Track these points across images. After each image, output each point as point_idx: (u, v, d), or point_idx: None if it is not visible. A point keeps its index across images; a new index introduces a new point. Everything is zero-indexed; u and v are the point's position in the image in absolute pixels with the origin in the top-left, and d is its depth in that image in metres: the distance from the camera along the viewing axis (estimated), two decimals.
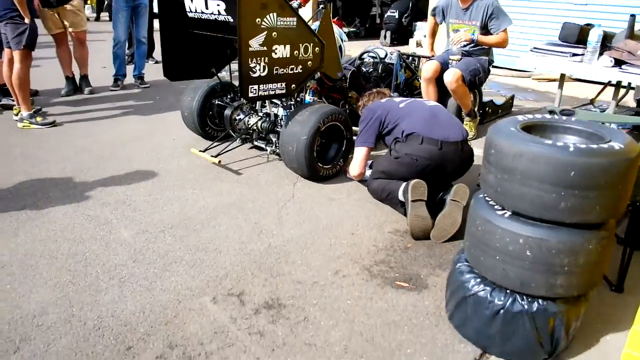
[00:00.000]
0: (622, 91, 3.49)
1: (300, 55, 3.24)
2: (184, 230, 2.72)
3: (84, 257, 2.43)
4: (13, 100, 4.55)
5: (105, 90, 5.78)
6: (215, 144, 3.79)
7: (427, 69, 4.31)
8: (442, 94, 4.39)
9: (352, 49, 9.49)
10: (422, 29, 10.15)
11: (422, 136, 2.78)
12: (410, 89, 4.86)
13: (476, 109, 4.60)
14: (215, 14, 3.31)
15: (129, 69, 6.18)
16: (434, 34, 4.94)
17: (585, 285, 1.80)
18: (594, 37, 3.26)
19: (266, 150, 3.76)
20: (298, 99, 3.70)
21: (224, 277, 2.33)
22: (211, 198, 3.12)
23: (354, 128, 3.49)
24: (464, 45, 4.29)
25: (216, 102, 3.97)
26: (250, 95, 3.07)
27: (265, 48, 3.01)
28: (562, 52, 3.53)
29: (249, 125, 3.71)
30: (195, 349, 1.88)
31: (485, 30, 4.23)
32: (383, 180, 2.89)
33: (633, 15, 3.44)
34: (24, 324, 1.95)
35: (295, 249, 2.59)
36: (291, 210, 3.00)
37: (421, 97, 4.51)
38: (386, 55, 4.73)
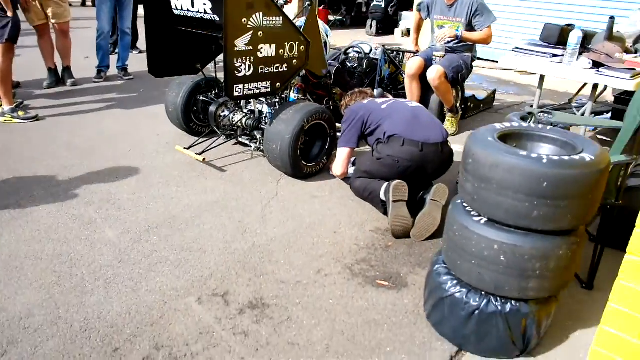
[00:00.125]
0: (600, 87, 3.56)
1: (286, 54, 3.26)
2: (169, 229, 2.76)
3: (69, 257, 2.45)
4: None
5: (88, 82, 5.72)
6: (200, 140, 3.80)
7: (411, 66, 4.36)
8: (426, 90, 4.45)
9: (338, 38, 9.52)
10: (408, 18, 10.20)
11: (403, 138, 2.84)
12: (395, 83, 4.90)
13: (458, 105, 4.67)
14: (201, 13, 3.31)
15: (113, 59, 6.11)
16: (418, 28, 4.99)
17: (556, 287, 1.89)
18: (574, 39, 3.33)
19: (250, 146, 3.79)
20: (283, 96, 3.72)
21: (208, 277, 2.37)
22: (195, 196, 3.15)
23: (337, 125, 3.53)
24: (448, 42, 4.34)
25: (201, 98, 3.97)
26: (236, 94, 3.09)
27: (251, 48, 3.02)
28: (542, 52, 3.60)
29: (234, 122, 3.73)
30: (181, 349, 1.93)
31: (470, 26, 4.29)
32: (365, 179, 2.95)
33: (612, 18, 3.51)
34: (11, 327, 1.98)
35: (279, 248, 2.64)
36: (275, 209, 3.05)
37: (404, 92, 4.57)
38: (371, 50, 4.76)
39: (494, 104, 5.64)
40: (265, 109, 3.66)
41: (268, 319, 2.12)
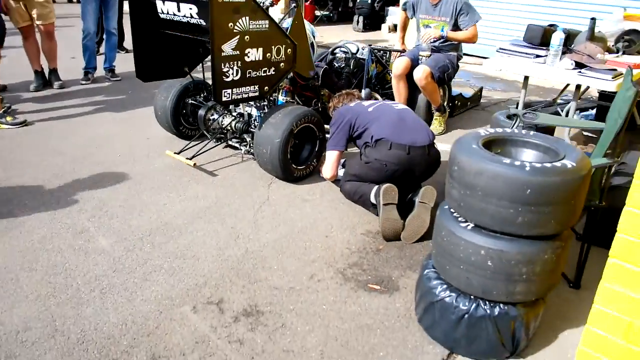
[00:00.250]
0: (584, 86, 3.63)
1: (273, 57, 3.28)
2: (162, 237, 2.78)
3: (64, 268, 2.47)
4: None
5: (75, 84, 5.69)
6: (190, 145, 3.82)
7: (398, 66, 4.39)
8: (413, 90, 4.50)
9: (325, 34, 9.54)
10: (394, 13, 10.22)
11: (390, 142, 2.88)
12: (382, 83, 4.95)
13: (445, 104, 4.72)
14: (187, 17, 3.31)
15: (100, 60, 6.07)
16: (404, 27, 5.04)
17: (543, 290, 1.95)
18: (556, 40, 3.38)
19: (240, 149, 3.81)
20: (271, 99, 3.74)
21: (202, 285, 2.40)
22: (187, 202, 3.17)
23: (326, 126, 3.57)
24: (434, 41, 4.38)
25: (190, 101, 3.98)
26: (224, 99, 3.11)
27: (238, 52, 3.04)
28: (526, 53, 3.65)
29: (223, 126, 3.75)
30: (178, 359, 1.97)
31: (455, 26, 4.33)
32: (355, 182, 2.99)
33: (593, 19, 3.57)
34: (9, 341, 2.00)
35: (272, 254, 2.68)
36: (266, 214, 3.08)
37: (392, 91, 4.62)
38: (358, 50, 4.79)
39: (481, 101, 5.70)
40: (254, 112, 3.68)
41: (263, 326, 2.16)
